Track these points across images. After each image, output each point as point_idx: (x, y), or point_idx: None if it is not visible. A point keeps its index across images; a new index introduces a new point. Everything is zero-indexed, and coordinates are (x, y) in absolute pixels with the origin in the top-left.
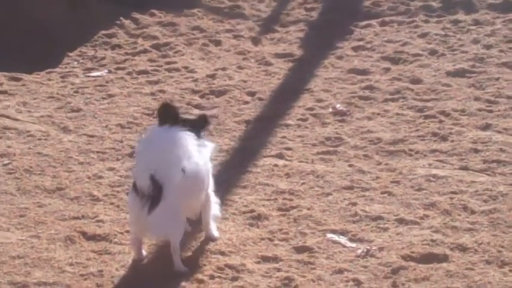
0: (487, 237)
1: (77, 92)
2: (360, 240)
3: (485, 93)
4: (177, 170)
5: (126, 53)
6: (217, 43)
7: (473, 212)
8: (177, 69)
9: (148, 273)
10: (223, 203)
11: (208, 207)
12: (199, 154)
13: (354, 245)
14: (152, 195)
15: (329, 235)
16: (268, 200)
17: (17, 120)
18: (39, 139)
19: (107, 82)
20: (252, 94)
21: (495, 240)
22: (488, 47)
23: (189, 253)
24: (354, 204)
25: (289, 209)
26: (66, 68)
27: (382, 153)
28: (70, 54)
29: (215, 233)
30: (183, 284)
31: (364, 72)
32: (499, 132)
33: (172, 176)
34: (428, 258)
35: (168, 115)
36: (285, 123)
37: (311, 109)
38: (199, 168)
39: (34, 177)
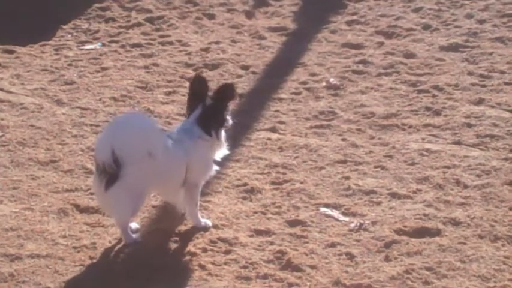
0: (479, 212)
1: (70, 64)
2: (353, 214)
3: (479, 68)
4: (139, 152)
5: (120, 26)
6: (211, 17)
7: (466, 187)
8: (171, 43)
9: (142, 246)
10: (217, 176)
11: (191, 199)
12: (186, 148)
13: (346, 218)
14: (111, 172)
15: (322, 209)
16: (261, 173)
17: (10, 92)
18: (33, 112)
19: (100, 55)
20: (245, 68)
21: (488, 214)
22: (481, 21)
23: (182, 226)
24: (347, 178)
25: (282, 183)
26: (59, 40)
27: (375, 127)
28: (64, 27)
29: (203, 222)
30: (177, 257)
31: (357, 46)
32: (492, 106)
33: (134, 156)
34: (421, 232)
35: (200, 88)
36: (279, 97)
37: (304, 83)
38: (171, 158)
39: (27, 150)
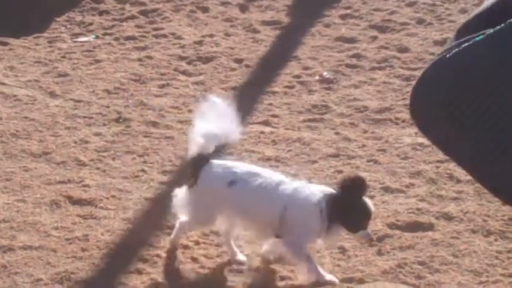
0: (472, 207)
1: (64, 57)
2: None
3: None
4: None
5: (114, 19)
6: (205, 10)
7: (459, 181)
8: (165, 36)
9: (134, 238)
10: None
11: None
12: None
13: None
14: (189, 177)
15: None
16: None
17: (3, 84)
18: (26, 103)
19: (94, 47)
20: (239, 61)
21: (481, 209)
22: None
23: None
24: (340, 172)
25: None
26: (53, 33)
27: (369, 121)
28: (58, 19)
29: (327, 276)
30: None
31: (351, 40)
32: None
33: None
34: (413, 227)
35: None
36: (272, 90)
37: (298, 76)
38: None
39: (20, 142)
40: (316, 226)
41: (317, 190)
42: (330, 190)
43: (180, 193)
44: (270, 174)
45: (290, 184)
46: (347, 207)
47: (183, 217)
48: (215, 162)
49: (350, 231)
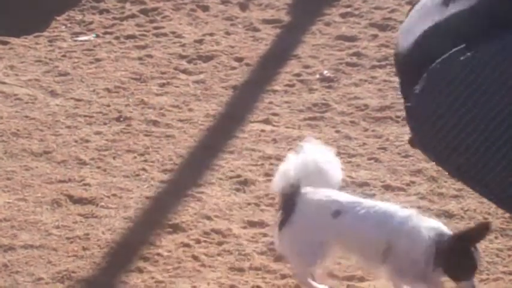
0: (473, 204)
1: (64, 56)
2: None
3: None
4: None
5: (114, 18)
6: (205, 8)
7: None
8: (165, 34)
9: (135, 236)
10: (210, 168)
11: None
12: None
13: None
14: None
15: None
16: (254, 165)
17: (4, 83)
18: (27, 102)
19: (94, 46)
20: (239, 60)
21: (481, 207)
22: None
23: (175, 218)
24: (341, 170)
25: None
26: (54, 32)
27: (369, 119)
28: (58, 18)
29: None
30: (170, 248)
31: (351, 38)
32: None
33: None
34: None
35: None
36: (272, 89)
37: (298, 75)
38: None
39: (21, 141)
40: (421, 265)
41: (431, 225)
42: (443, 230)
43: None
44: (373, 203)
45: (402, 212)
46: (458, 257)
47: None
48: (311, 190)
49: (453, 279)
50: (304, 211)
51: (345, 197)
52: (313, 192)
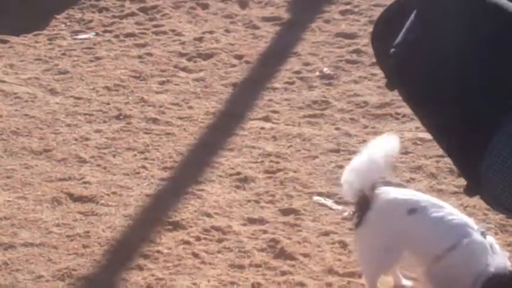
0: (472, 201)
1: (64, 54)
2: (346, 203)
3: None
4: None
5: (114, 16)
6: (205, 6)
7: (459, 175)
8: (165, 32)
9: (135, 234)
10: (210, 165)
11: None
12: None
13: (340, 207)
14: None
15: (315, 198)
16: (254, 162)
17: (3, 82)
18: (26, 101)
19: (94, 45)
20: (239, 57)
21: (480, 203)
22: None
23: (175, 215)
24: (341, 167)
25: (275, 172)
26: (53, 30)
27: (369, 116)
28: (57, 16)
29: None
30: (170, 246)
31: (351, 36)
32: None
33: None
34: None
35: None
36: (272, 86)
37: (298, 72)
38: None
39: (21, 139)
40: (467, 282)
41: (496, 261)
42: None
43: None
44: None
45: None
46: None
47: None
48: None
49: None
50: (379, 210)
51: (420, 196)
52: (387, 191)
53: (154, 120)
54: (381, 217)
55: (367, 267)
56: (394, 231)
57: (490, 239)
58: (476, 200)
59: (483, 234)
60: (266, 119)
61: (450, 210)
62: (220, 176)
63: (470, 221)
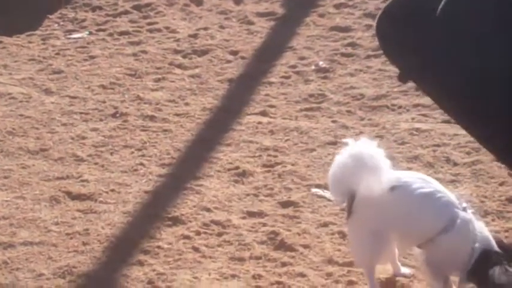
0: (469, 189)
1: (58, 54)
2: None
3: None
4: (373, 182)
5: (107, 15)
6: (199, 3)
7: (456, 164)
8: (159, 30)
9: (134, 230)
10: (208, 160)
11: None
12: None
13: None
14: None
15: (313, 190)
16: (252, 156)
17: None
18: (21, 101)
19: (88, 44)
20: (234, 53)
21: (477, 190)
22: None
23: (175, 211)
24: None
25: (273, 165)
26: (46, 30)
27: (365, 108)
28: (50, 16)
29: None
30: (170, 241)
31: (346, 29)
32: None
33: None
34: None
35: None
36: (268, 81)
37: (294, 67)
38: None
39: (17, 139)
40: (461, 262)
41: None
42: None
43: None
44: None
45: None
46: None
47: None
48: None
49: None
50: (363, 194)
51: (406, 173)
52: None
53: (151, 118)
54: (365, 201)
55: (360, 256)
56: (378, 212)
57: (470, 212)
58: (473, 188)
59: (465, 209)
60: (263, 113)
61: (435, 186)
62: (219, 171)
63: (453, 196)
